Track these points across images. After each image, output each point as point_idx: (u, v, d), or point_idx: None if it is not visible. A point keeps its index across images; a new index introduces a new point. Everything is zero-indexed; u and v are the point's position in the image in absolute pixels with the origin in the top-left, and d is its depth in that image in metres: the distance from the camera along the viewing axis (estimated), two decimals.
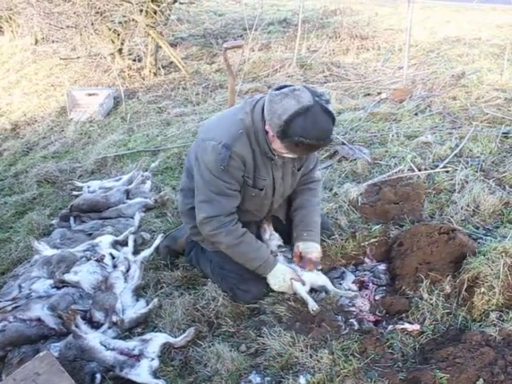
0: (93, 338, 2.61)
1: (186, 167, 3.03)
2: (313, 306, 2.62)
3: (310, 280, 2.80)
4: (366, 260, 3.11)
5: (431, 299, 2.56)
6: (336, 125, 5.27)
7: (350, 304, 2.72)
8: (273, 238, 3.00)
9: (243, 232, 2.73)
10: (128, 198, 4.31)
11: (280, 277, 2.79)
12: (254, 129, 2.60)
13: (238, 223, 2.75)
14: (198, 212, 2.73)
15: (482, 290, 2.49)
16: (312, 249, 2.87)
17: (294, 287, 2.75)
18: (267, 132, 2.56)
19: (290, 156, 2.62)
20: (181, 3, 9.38)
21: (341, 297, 2.76)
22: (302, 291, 2.73)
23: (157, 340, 2.59)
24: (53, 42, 10.98)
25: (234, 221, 2.71)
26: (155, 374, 2.46)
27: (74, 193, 4.67)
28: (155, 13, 8.04)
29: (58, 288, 3.09)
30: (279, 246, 2.98)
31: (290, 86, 2.48)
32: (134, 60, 9.21)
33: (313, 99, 2.37)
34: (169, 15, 8.80)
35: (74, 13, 8.06)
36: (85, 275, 3.13)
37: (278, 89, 2.48)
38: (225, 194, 2.65)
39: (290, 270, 2.82)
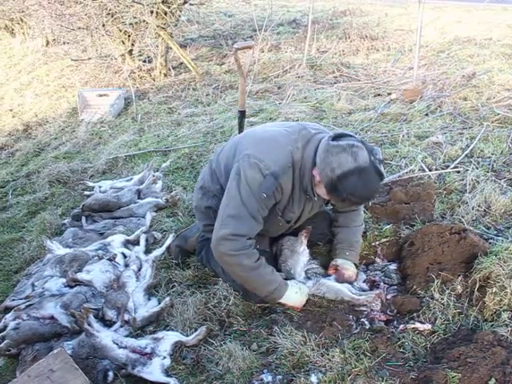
0: (105, 337, 2.63)
1: (212, 168, 2.94)
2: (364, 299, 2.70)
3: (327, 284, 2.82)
4: (377, 260, 3.11)
5: (442, 299, 2.56)
6: (346, 125, 5.33)
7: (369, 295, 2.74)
8: (305, 254, 2.97)
9: (259, 256, 2.63)
10: (139, 198, 4.34)
11: (297, 291, 2.72)
12: (301, 166, 2.58)
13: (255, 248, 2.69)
14: (223, 226, 2.56)
15: (494, 289, 2.48)
16: (349, 267, 2.90)
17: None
18: (314, 176, 2.55)
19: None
20: (191, 4, 9.41)
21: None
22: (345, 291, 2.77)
23: (169, 338, 2.61)
24: (64, 43, 11.07)
25: (253, 245, 2.62)
26: (167, 372, 2.48)
27: (86, 193, 4.71)
28: (165, 14, 8.08)
29: (71, 287, 3.12)
30: (308, 261, 2.98)
31: (348, 135, 2.47)
32: (145, 61, 9.26)
33: (369, 159, 2.36)
34: (179, 16, 8.82)
35: (86, 14, 8.13)
36: (97, 274, 3.16)
37: (335, 137, 2.46)
38: (256, 218, 2.56)
39: (300, 284, 2.80)
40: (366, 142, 2.49)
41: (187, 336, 2.65)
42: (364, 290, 2.83)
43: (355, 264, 2.97)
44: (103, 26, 8.14)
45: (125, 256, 3.44)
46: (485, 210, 3.36)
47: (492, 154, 4.20)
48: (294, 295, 2.70)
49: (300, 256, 2.94)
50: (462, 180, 3.79)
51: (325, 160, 2.40)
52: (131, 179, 4.73)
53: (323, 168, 2.42)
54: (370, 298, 2.70)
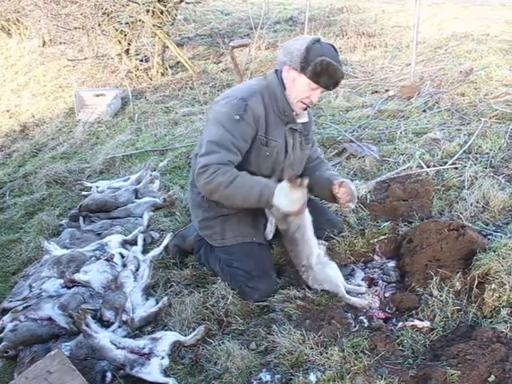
0: (103, 337, 2.61)
1: (195, 154, 2.97)
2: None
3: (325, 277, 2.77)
4: (376, 257, 3.11)
5: (441, 296, 2.55)
6: (344, 122, 5.32)
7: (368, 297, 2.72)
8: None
9: (237, 171, 2.62)
10: (137, 198, 4.32)
11: (284, 194, 2.58)
12: (268, 89, 2.79)
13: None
14: (195, 166, 2.69)
15: (493, 286, 2.47)
16: (348, 182, 2.94)
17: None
18: (286, 74, 2.75)
19: (311, 96, 2.76)
20: (187, 3, 9.40)
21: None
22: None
23: (167, 338, 2.59)
24: (60, 43, 11.06)
25: (227, 165, 2.61)
26: (165, 372, 2.46)
27: (83, 193, 4.69)
28: (162, 13, 8.07)
29: (68, 287, 3.10)
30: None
31: None
32: (141, 60, 9.25)
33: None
34: (175, 15, 8.82)
35: (81, 14, 8.10)
36: (95, 274, 3.14)
37: None
38: (226, 148, 2.62)
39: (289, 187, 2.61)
40: None
41: (185, 336, 2.63)
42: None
43: None
44: (99, 25, 8.12)
45: (122, 256, 3.42)
46: (483, 206, 3.36)
47: (490, 150, 4.19)
48: (287, 196, 2.57)
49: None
50: (460, 176, 3.78)
51: (288, 50, 2.71)
52: (128, 179, 4.71)
53: (291, 56, 2.68)
54: (361, 305, 2.68)
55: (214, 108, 2.79)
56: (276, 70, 2.86)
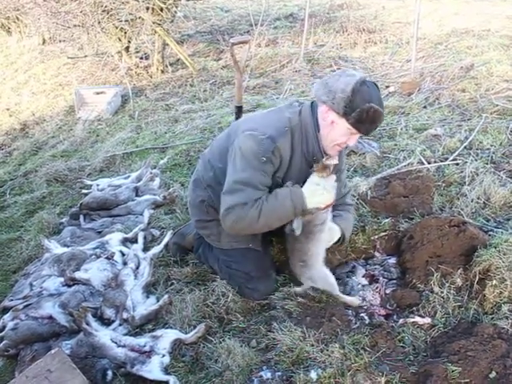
0: (104, 335, 2.62)
1: (205, 158, 2.94)
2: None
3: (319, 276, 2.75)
4: (376, 254, 3.11)
5: (442, 292, 2.55)
6: None
7: (361, 298, 2.72)
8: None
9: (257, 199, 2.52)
10: (137, 196, 4.32)
11: (315, 190, 2.53)
12: (300, 127, 2.56)
13: None
14: (221, 206, 2.56)
15: (494, 282, 2.47)
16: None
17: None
18: (319, 129, 2.54)
19: (348, 141, 2.55)
20: (187, 0, 9.37)
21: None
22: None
23: (167, 336, 2.59)
24: (60, 41, 11.04)
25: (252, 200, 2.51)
26: (166, 370, 2.46)
27: (84, 191, 4.69)
28: (161, 10, 8.04)
29: (69, 286, 3.11)
30: None
31: None
32: (141, 58, 9.22)
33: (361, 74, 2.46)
34: (175, 12, 8.79)
35: (81, 12, 8.07)
36: (95, 273, 3.14)
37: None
38: (254, 187, 2.49)
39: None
40: None
41: (186, 333, 2.63)
42: (363, 285, 2.81)
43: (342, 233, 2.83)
44: (99, 23, 8.08)
45: (123, 254, 3.42)
46: (484, 202, 3.35)
47: (491, 146, 4.18)
48: (318, 193, 2.52)
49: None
50: (461, 172, 3.77)
51: (330, 90, 2.41)
52: (129, 177, 4.71)
53: (333, 96, 2.40)
54: (353, 303, 2.68)
55: (240, 137, 2.55)
56: (312, 104, 2.60)
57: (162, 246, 3.43)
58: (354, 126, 2.43)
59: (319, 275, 2.72)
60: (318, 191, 2.52)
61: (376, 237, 3.16)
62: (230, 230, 2.61)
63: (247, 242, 2.88)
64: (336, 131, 2.50)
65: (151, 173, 4.61)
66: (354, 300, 2.69)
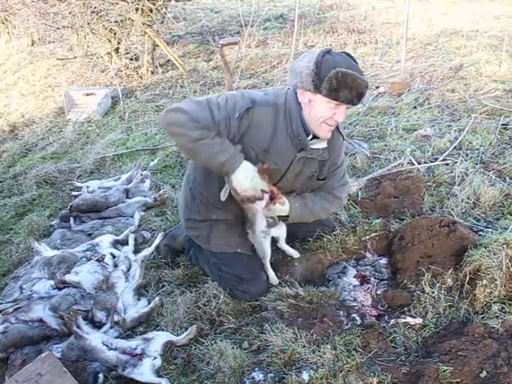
0: (95, 338, 2.60)
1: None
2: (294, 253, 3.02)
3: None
4: (367, 254, 3.11)
5: (433, 292, 2.56)
6: None
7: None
8: None
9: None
10: (127, 197, 4.30)
11: (248, 176, 2.49)
12: (285, 109, 2.53)
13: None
14: (176, 103, 2.52)
15: (484, 282, 2.48)
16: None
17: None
18: (301, 96, 2.49)
19: (334, 116, 2.47)
20: (177, 1, 9.36)
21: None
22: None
23: (159, 339, 2.58)
24: (49, 42, 10.99)
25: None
26: (158, 372, 2.45)
27: (74, 193, 4.66)
28: (151, 11, 8.03)
29: (59, 289, 3.09)
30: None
31: None
32: (131, 59, 9.19)
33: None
34: (165, 13, 8.76)
35: (70, 13, 8.04)
36: (86, 275, 3.12)
37: None
38: (213, 122, 2.43)
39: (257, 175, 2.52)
40: None
41: (178, 336, 2.62)
42: (354, 286, 2.82)
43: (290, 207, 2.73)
44: (88, 24, 8.06)
45: (113, 256, 3.40)
46: (474, 202, 3.37)
47: (480, 146, 4.21)
48: (244, 179, 2.48)
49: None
50: (451, 172, 3.79)
51: (297, 70, 2.44)
52: (119, 178, 4.69)
53: (301, 76, 2.41)
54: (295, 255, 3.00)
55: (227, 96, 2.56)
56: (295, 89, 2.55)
57: (152, 247, 3.42)
58: (329, 96, 2.38)
59: (256, 240, 2.83)
60: (248, 176, 2.47)
61: (367, 237, 3.17)
62: (162, 124, 2.57)
63: (236, 247, 2.88)
64: (317, 108, 2.47)
65: (142, 174, 4.60)
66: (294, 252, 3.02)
